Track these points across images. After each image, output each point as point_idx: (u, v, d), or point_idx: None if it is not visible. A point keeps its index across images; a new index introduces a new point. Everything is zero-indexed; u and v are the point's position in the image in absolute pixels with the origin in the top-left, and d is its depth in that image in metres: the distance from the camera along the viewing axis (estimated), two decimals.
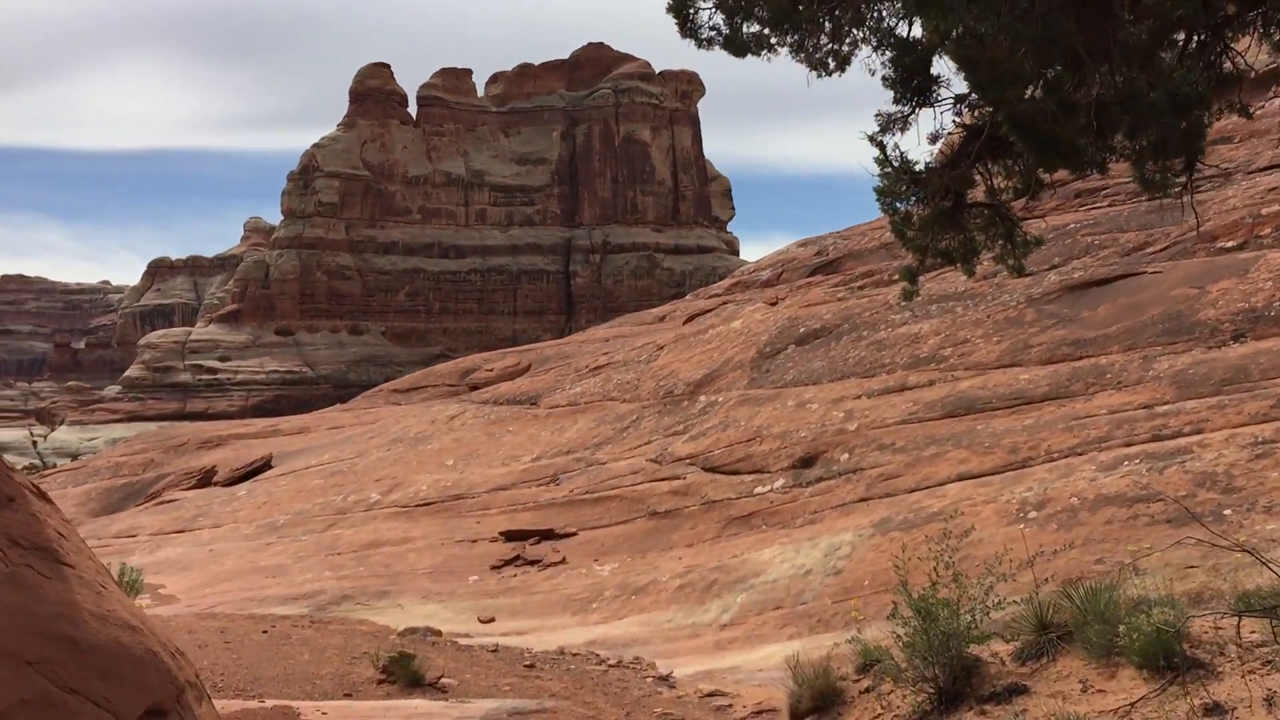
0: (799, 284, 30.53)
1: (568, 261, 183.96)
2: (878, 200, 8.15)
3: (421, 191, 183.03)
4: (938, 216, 8.07)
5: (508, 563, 21.97)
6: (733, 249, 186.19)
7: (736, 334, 28.22)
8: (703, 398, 26.39)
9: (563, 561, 21.59)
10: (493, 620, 19.61)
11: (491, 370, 40.77)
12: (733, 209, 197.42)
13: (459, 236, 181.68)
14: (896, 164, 7.89)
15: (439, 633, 18.44)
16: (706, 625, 16.99)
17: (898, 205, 8.25)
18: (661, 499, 22.52)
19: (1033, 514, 15.69)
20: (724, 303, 35.31)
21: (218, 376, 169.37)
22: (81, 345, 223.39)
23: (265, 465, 36.01)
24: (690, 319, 35.23)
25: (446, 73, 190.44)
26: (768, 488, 20.72)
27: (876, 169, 7.95)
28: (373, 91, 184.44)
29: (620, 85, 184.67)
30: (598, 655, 15.98)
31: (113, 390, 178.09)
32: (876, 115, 7.80)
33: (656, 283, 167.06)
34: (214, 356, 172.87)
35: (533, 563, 21.84)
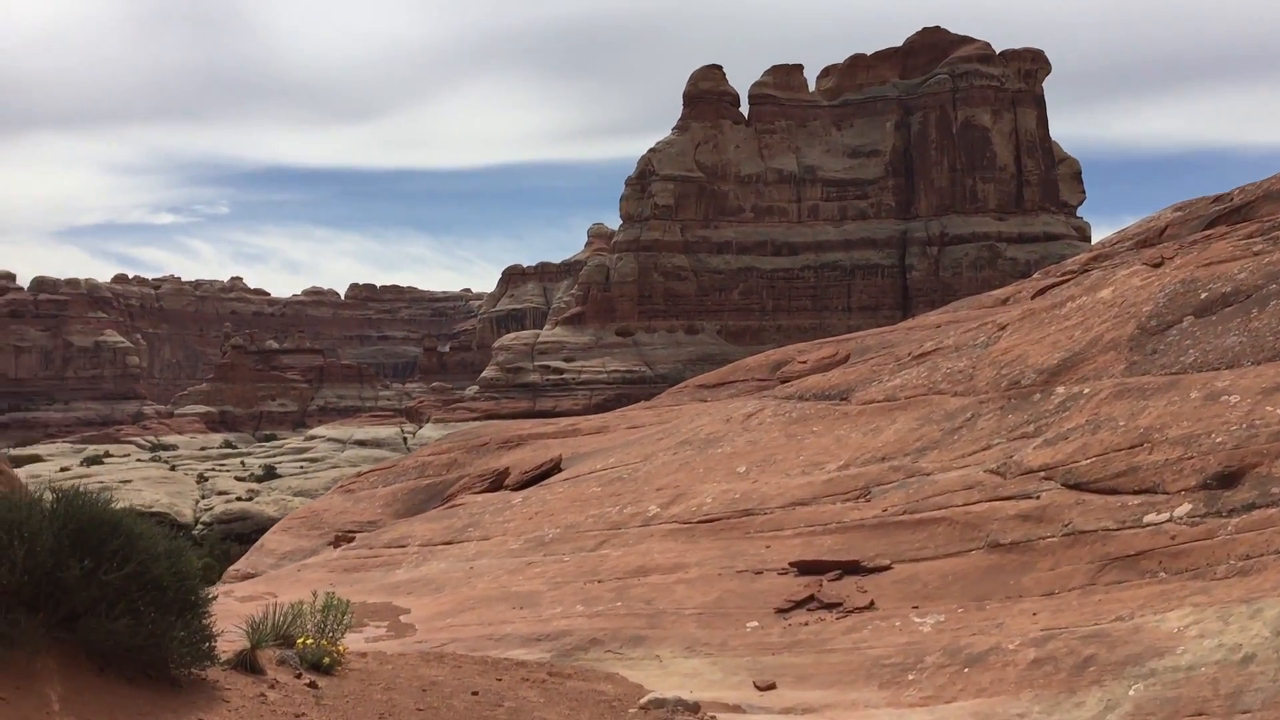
0: (1191, 240, 23.04)
1: (903, 255, 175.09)
2: None
3: (754, 190, 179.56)
4: None
5: (798, 604, 16.41)
6: (1083, 235, 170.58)
7: (1106, 305, 21.36)
8: (1060, 389, 19.77)
9: (869, 607, 15.79)
10: (772, 687, 14.13)
11: (805, 362, 35.13)
12: (1083, 193, 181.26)
13: (791, 234, 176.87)
14: None
15: (696, 707, 13.18)
16: None
17: None
18: (1006, 525, 16.26)
19: None
20: (1085, 270, 28.05)
21: (563, 376, 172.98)
22: (446, 349, 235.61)
23: (555, 468, 32.14)
24: (1040, 292, 28.28)
25: (777, 70, 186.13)
26: (1165, 515, 14.11)
27: None
28: (705, 94, 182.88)
29: (958, 69, 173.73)
30: None
31: (471, 390, 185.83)
32: None
33: (999, 274, 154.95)
34: (560, 357, 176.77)
35: (830, 606, 16.19)
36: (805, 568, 17.60)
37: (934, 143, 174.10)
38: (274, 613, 12.82)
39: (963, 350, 24.65)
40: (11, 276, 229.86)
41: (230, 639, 11.23)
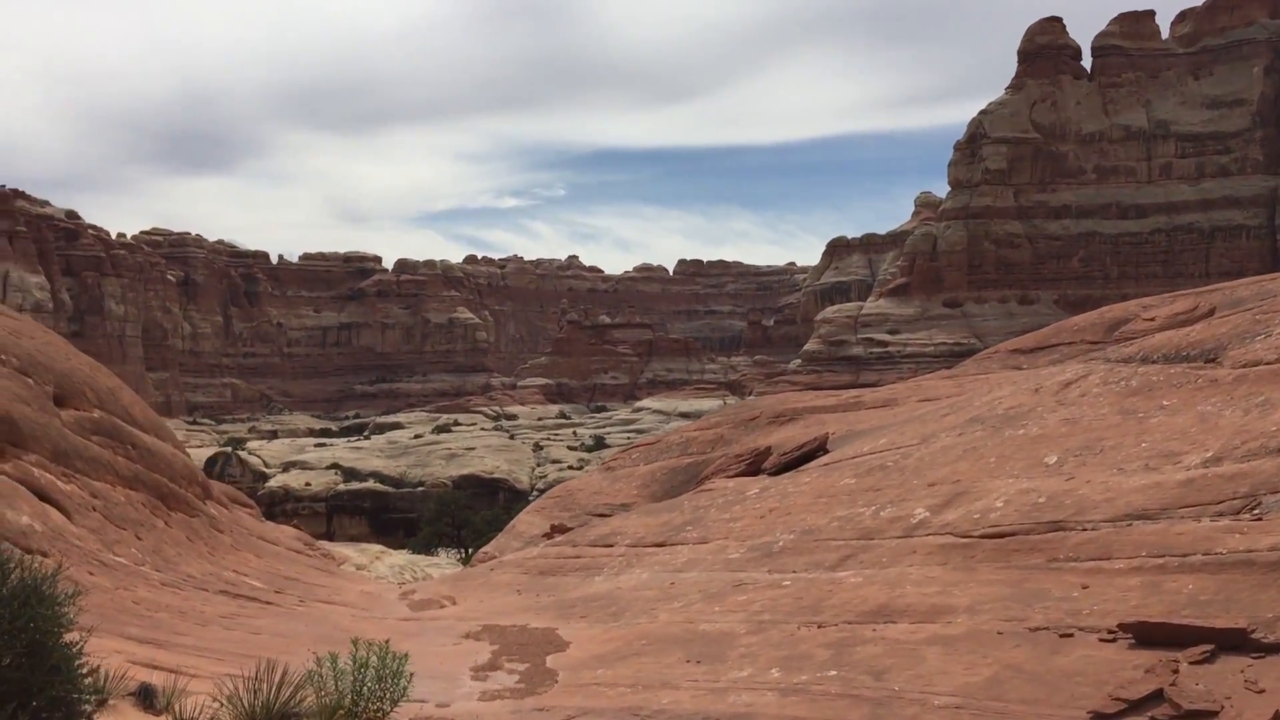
0: None
1: (1273, 215, 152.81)
2: None
3: (1096, 149, 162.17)
4: None
5: (1132, 707, 9.16)
6: None
7: None
8: None
9: None
10: None
11: (1153, 319, 26.36)
12: None
13: (1140, 194, 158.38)
14: None
15: None
16: None
17: None
18: None
19: None
20: None
21: (887, 349, 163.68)
22: (771, 322, 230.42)
23: (819, 449, 25.39)
24: None
25: (1125, 18, 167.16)
26: None
27: None
28: (1043, 49, 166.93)
29: None
30: None
31: (794, 363, 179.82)
32: None
33: None
34: (884, 330, 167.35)
35: (1195, 716, 8.85)
36: (1148, 634, 10.20)
37: None
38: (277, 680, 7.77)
39: None
40: (378, 259, 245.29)
41: None
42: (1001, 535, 13.83)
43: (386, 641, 10.17)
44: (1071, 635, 10.67)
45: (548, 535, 26.73)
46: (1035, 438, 16.64)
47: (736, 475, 26.79)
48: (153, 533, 17.20)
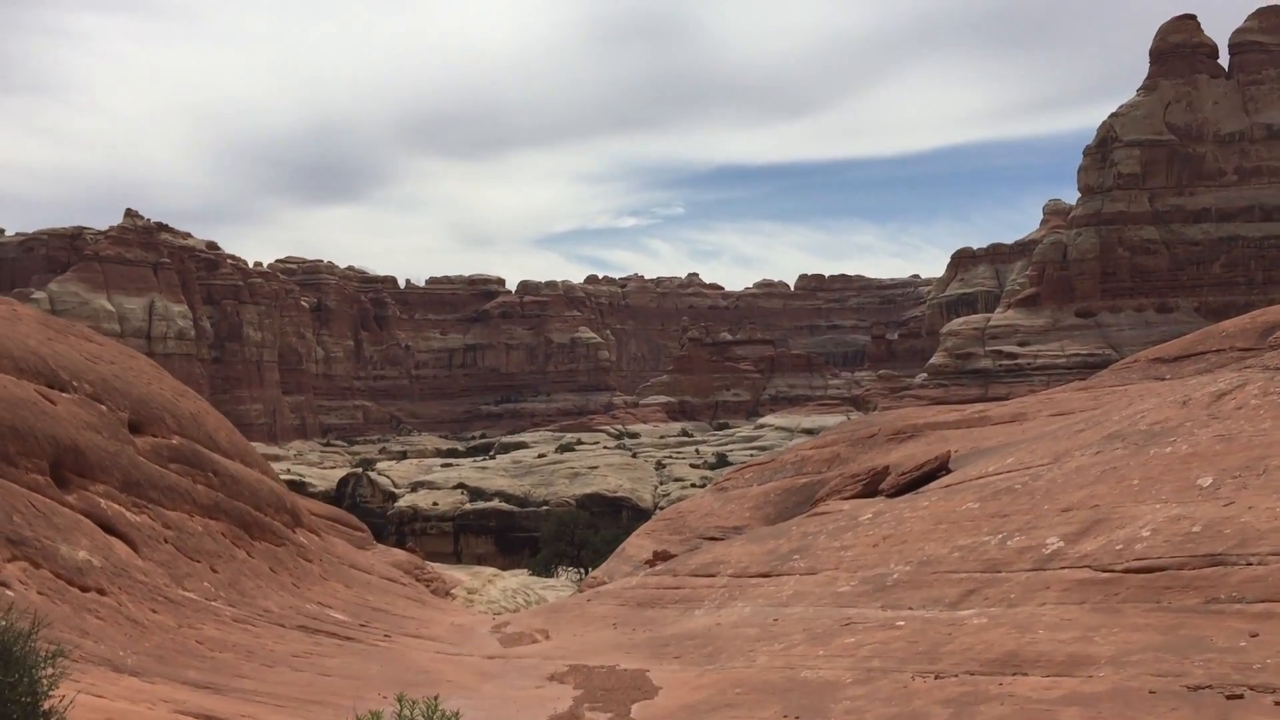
0: None
1: None
2: None
3: (1237, 149, 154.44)
4: None
5: None
6: None
7: None
8: None
9: None
10: None
11: None
12: None
13: None
14: None
15: None
16: None
17: None
18: None
19: None
20: None
21: (1017, 361, 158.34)
22: (895, 336, 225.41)
23: (940, 468, 23.50)
24: None
25: (1264, 13, 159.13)
26: None
27: None
28: (1176, 48, 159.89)
29: None
30: None
31: (920, 377, 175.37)
32: None
33: None
34: (1013, 341, 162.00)
35: None
36: None
37: None
38: None
39: None
40: (501, 281, 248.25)
41: None
42: (1150, 570, 11.99)
43: (436, 698, 8.99)
44: (1241, 696, 8.87)
45: (649, 563, 25.39)
46: (1185, 456, 14.64)
47: (852, 497, 25.11)
48: (231, 564, 16.39)
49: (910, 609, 13.71)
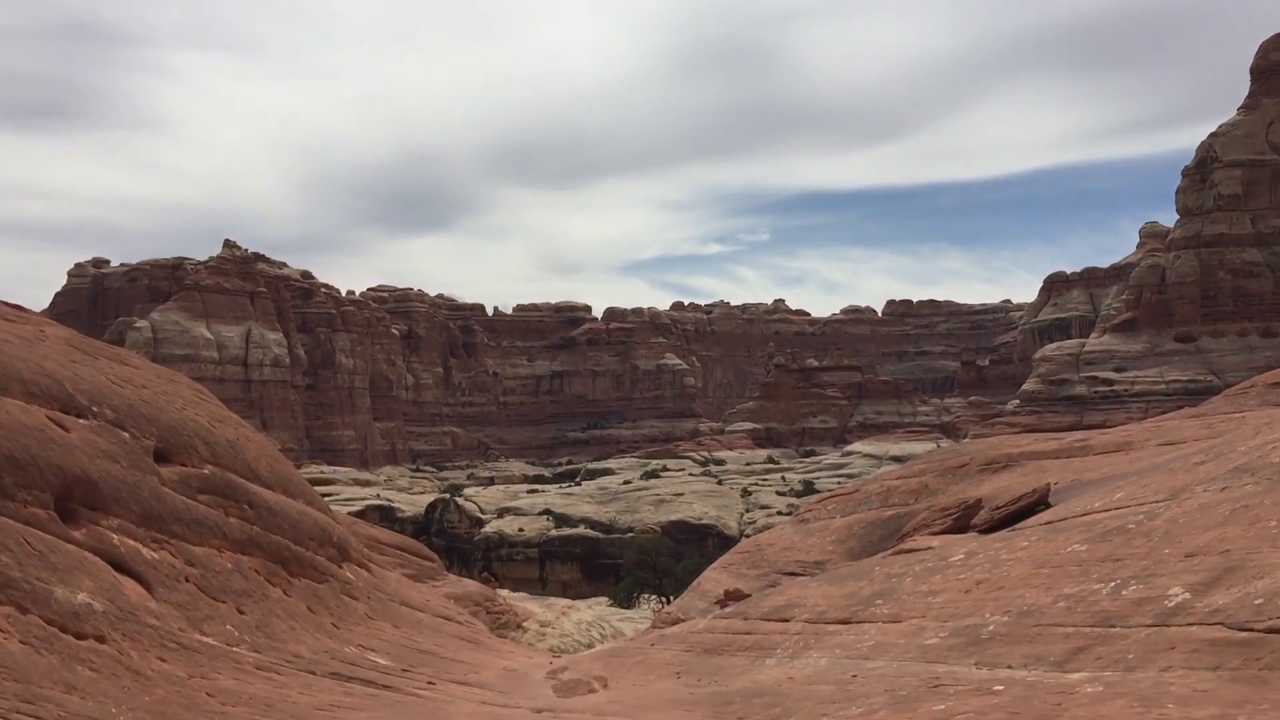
0: None
1: None
2: None
3: None
4: None
5: None
6: None
7: None
8: None
9: None
10: None
11: None
12: None
13: None
14: None
15: None
16: None
17: None
18: None
19: None
20: None
21: (1113, 388, 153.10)
22: (986, 362, 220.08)
23: (1039, 502, 21.41)
24: None
25: None
26: None
27: None
28: (1278, 65, 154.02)
29: None
30: None
31: (1012, 404, 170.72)
32: None
33: None
34: (1109, 367, 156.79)
35: None
36: None
37: None
38: None
39: None
40: (588, 308, 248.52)
41: None
42: None
43: None
44: None
45: (720, 602, 23.66)
46: None
47: (941, 532, 23.09)
48: (262, 604, 15.05)
49: (1009, 668, 11.83)
